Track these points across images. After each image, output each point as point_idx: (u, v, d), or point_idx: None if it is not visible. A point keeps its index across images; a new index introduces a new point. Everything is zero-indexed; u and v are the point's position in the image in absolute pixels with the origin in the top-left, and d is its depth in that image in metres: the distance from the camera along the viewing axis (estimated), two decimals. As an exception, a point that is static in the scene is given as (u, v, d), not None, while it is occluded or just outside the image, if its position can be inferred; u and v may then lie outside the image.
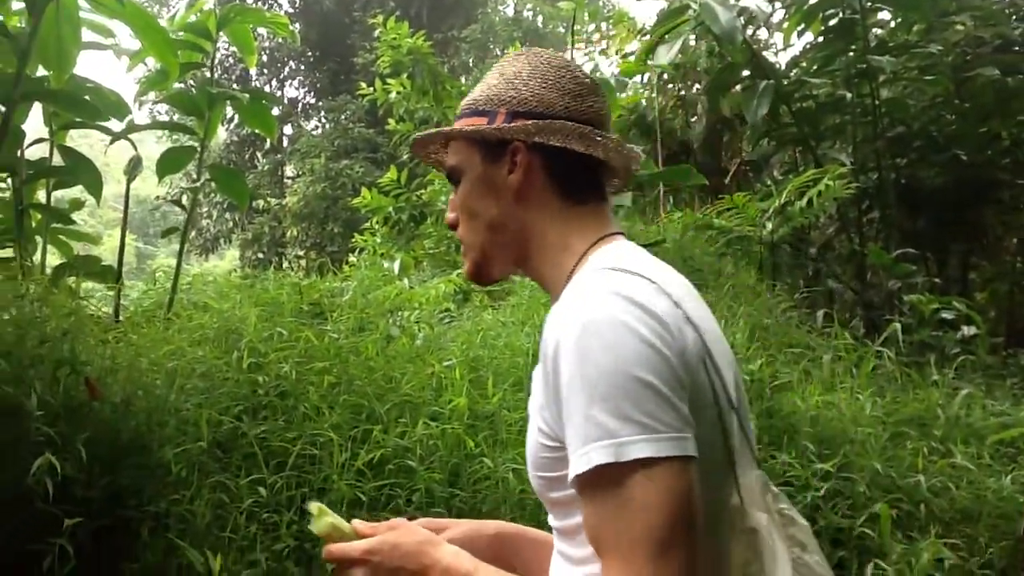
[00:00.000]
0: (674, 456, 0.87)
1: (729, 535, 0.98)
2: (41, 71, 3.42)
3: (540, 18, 19.89)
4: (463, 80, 18.13)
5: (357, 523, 1.15)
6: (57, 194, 4.08)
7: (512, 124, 1.13)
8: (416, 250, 7.11)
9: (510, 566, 1.09)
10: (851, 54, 5.82)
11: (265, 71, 22.43)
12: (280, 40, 17.86)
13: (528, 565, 1.25)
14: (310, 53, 22.54)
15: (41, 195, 3.91)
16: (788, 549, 0.96)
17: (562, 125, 1.11)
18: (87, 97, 3.62)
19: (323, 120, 21.80)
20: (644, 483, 0.86)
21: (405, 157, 8.79)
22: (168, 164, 4.16)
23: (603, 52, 9.54)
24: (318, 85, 22.71)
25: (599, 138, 1.13)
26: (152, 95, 4.68)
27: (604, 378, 0.89)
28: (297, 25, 22.97)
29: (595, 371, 0.89)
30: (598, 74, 7.67)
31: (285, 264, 17.03)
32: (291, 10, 23.13)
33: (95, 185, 3.89)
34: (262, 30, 7.12)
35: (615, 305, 0.93)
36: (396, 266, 5.97)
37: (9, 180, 3.62)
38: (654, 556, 0.85)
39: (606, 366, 0.89)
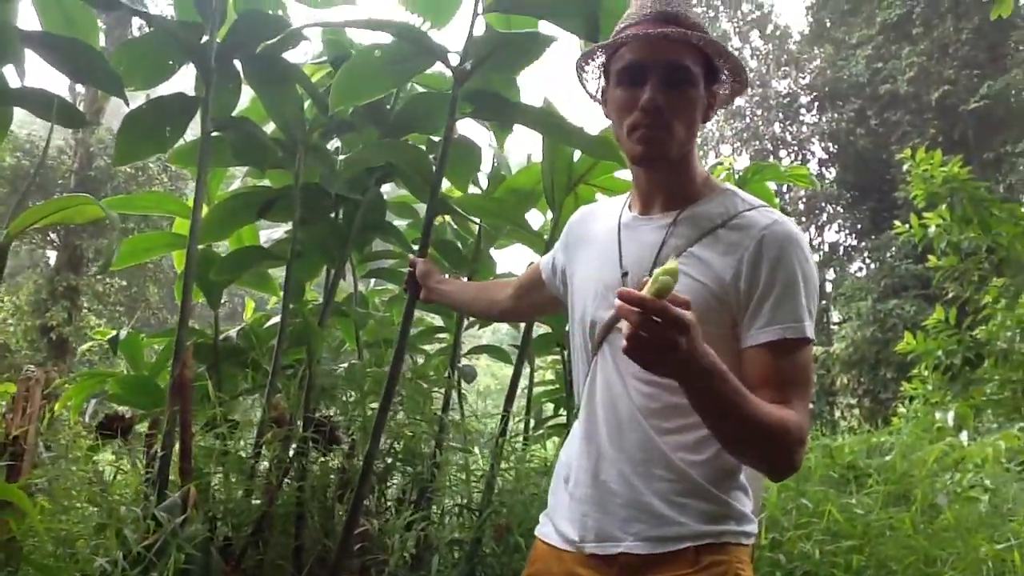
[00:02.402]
0: None
1: None
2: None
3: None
4: (1023, 199, 16.23)
5: None
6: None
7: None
8: (975, 397, 6.27)
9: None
10: None
11: (803, 219, 22.53)
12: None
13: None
14: (848, 194, 22.16)
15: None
16: None
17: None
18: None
19: (867, 261, 21.03)
20: (810, 351, 1.37)
21: (951, 295, 7.94)
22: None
23: None
24: (859, 226, 22.12)
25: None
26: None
27: (811, 282, 1.37)
28: (832, 169, 22.90)
29: (806, 276, 1.36)
30: None
31: (837, 414, 16.33)
32: (824, 156, 23.18)
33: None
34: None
35: (804, 237, 1.43)
36: (949, 417, 5.31)
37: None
38: (810, 391, 1.38)
39: (812, 275, 1.38)
